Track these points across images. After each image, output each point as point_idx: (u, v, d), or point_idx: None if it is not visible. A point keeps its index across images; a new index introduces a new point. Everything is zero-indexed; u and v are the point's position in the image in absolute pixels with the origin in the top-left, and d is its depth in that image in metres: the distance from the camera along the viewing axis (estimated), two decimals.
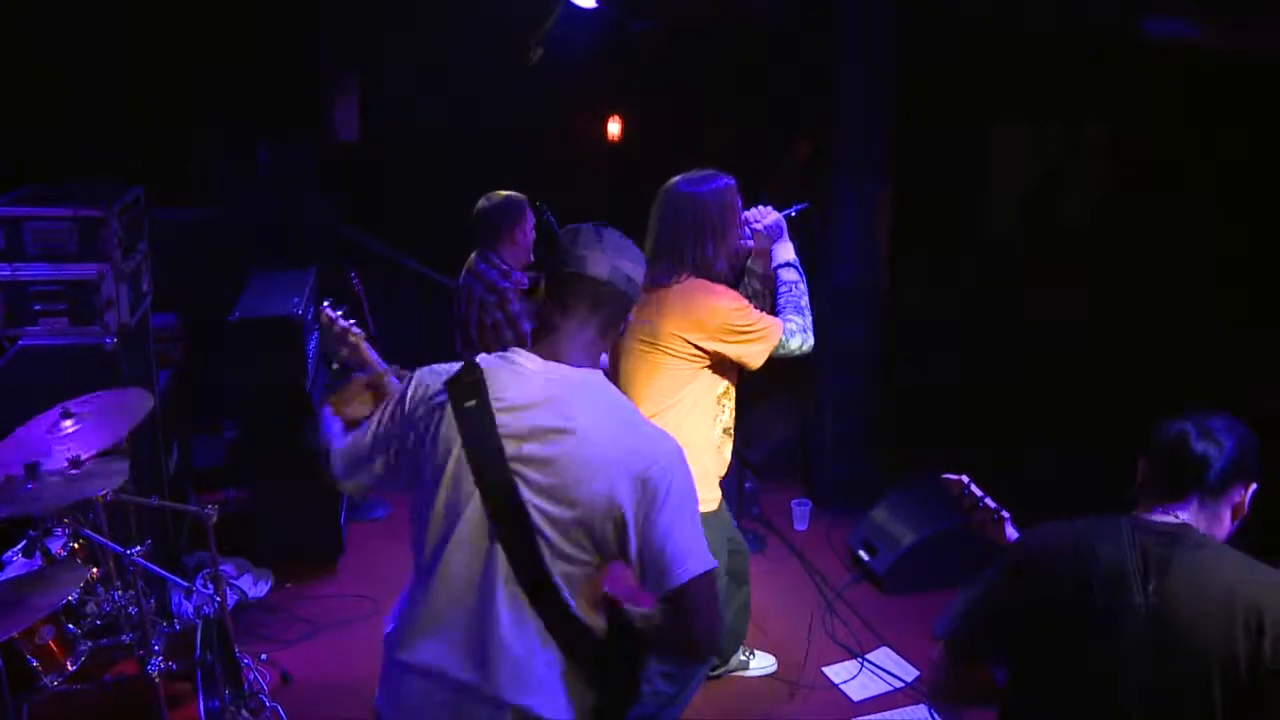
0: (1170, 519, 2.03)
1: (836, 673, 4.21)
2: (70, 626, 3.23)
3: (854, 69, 5.15)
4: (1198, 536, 2.01)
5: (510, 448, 1.91)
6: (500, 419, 1.93)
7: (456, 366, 2.03)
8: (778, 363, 3.24)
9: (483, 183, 4.30)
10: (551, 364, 2.00)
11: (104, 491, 3.23)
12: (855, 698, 4.07)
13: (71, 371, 3.94)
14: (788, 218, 3.42)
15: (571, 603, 1.93)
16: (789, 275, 3.33)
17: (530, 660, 1.94)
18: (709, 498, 3.29)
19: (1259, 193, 4.53)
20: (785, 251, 3.37)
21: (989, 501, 2.77)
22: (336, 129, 6.03)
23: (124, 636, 3.35)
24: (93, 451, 3.29)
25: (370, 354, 2.94)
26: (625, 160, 6.79)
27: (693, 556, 1.90)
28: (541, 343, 2.04)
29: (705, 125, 6.32)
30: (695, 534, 1.93)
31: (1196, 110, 4.70)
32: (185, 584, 3.83)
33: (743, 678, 4.13)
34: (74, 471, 3.15)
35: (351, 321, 2.98)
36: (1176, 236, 4.93)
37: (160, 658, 3.20)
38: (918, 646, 4.32)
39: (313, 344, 5.26)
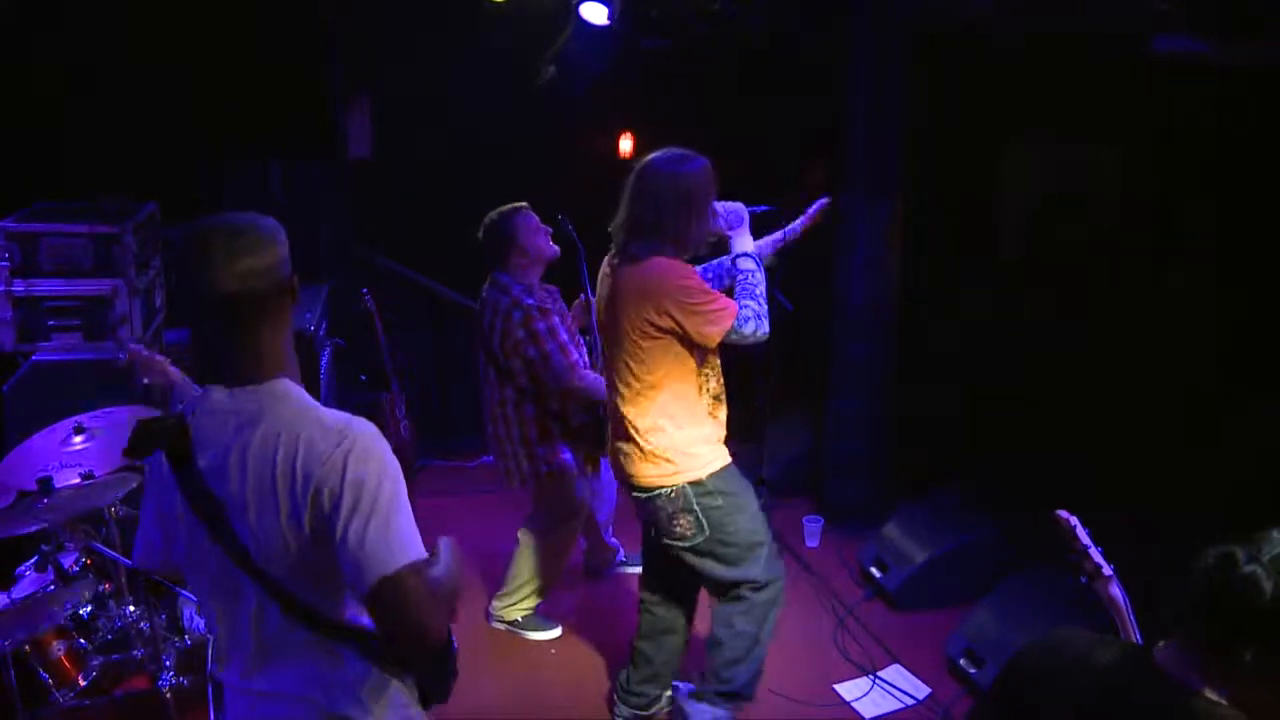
0: (1185, 681, 1.64)
1: (848, 690, 4.19)
2: (82, 641, 3.25)
3: (865, 89, 5.15)
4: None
5: (220, 490, 1.86)
6: (202, 466, 1.88)
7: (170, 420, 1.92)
8: (790, 379, 3.21)
9: (494, 199, 4.31)
10: (235, 391, 1.94)
11: (117, 497, 3.25)
12: (866, 715, 4.05)
13: (84, 387, 3.96)
14: (752, 214, 3.51)
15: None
16: (746, 264, 3.39)
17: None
18: (717, 456, 3.40)
19: (1267, 211, 4.51)
20: (744, 242, 3.44)
21: (1095, 554, 2.43)
22: (349, 146, 6.05)
23: (135, 652, 3.36)
24: (105, 467, 3.30)
25: (173, 371, 3.15)
26: None
27: (387, 551, 1.78)
28: (223, 367, 1.95)
29: (715, 142, 6.31)
30: (384, 530, 1.79)
31: (1208, 129, 4.68)
32: (196, 599, 3.83)
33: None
34: (87, 484, 3.17)
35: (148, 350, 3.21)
36: (1183, 260, 4.92)
37: (171, 673, 3.21)
38: (929, 664, 4.30)
39: (325, 360, 5.27)
